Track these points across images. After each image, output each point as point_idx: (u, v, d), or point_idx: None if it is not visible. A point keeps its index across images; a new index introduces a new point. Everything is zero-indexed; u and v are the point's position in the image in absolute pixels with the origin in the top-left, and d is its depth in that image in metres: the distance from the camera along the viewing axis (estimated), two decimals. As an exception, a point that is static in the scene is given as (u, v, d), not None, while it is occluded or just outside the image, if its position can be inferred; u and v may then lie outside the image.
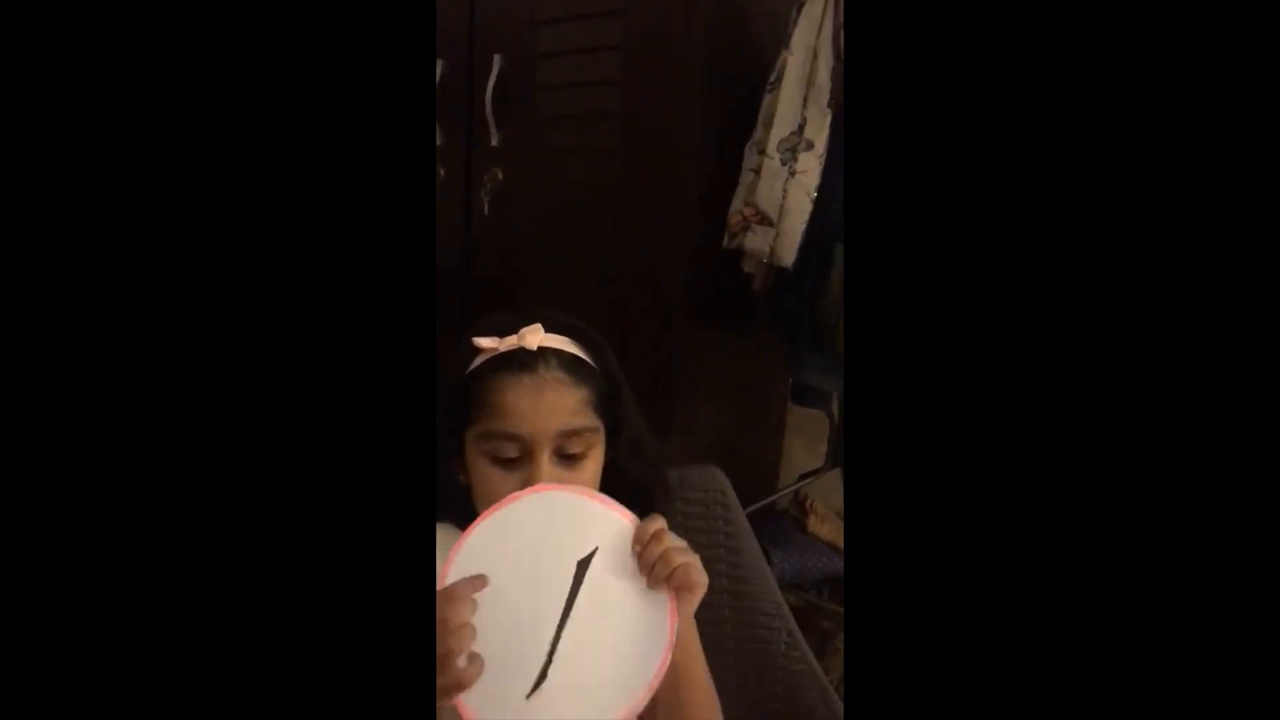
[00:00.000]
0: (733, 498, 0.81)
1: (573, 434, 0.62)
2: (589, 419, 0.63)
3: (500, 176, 1.48)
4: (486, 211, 1.50)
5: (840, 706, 0.76)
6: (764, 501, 1.46)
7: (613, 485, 0.66)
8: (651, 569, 0.57)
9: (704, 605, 0.78)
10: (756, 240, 1.22)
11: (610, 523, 0.58)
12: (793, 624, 0.78)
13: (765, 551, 1.41)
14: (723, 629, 0.79)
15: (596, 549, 0.56)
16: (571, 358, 0.64)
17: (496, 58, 1.40)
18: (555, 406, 0.61)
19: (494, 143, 1.45)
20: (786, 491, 1.52)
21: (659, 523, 0.59)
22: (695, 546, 0.78)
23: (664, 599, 0.57)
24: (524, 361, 0.62)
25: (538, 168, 1.42)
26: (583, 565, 0.55)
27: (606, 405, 0.65)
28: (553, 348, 0.63)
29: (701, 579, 0.59)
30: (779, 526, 1.49)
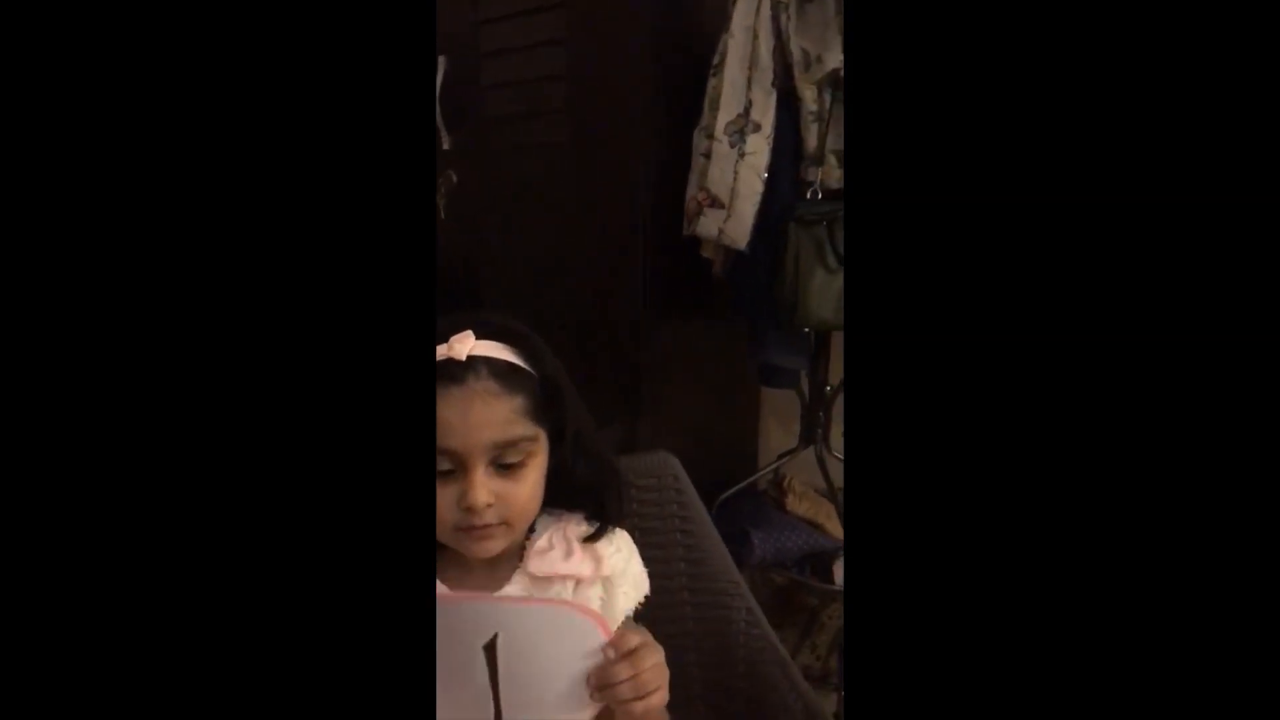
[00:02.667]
0: (686, 481, 0.81)
1: (508, 445, 0.60)
2: (525, 428, 0.61)
3: (454, 179, 1.48)
4: (443, 215, 1.50)
5: (802, 681, 0.77)
6: (743, 484, 1.47)
7: (561, 489, 0.66)
8: (615, 686, 0.56)
9: (662, 590, 0.79)
10: (708, 223, 1.22)
11: (521, 615, 0.58)
12: (752, 602, 0.79)
13: (745, 532, 1.43)
14: (682, 611, 0.80)
15: (496, 633, 0.56)
16: (504, 365, 0.62)
17: (441, 59, 1.41)
18: (486, 418, 0.59)
19: (445, 146, 1.45)
20: (765, 472, 1.53)
21: (637, 639, 0.58)
22: (650, 533, 0.80)
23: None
24: (452, 373, 0.60)
25: (491, 168, 1.43)
26: (489, 649, 0.56)
27: (545, 410, 0.63)
28: (483, 356, 0.61)
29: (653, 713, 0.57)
30: (759, 507, 1.50)
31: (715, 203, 1.21)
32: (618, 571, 0.67)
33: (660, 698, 0.58)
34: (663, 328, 1.39)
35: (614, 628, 0.63)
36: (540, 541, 0.66)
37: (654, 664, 0.58)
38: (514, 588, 0.65)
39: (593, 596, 0.66)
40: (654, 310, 1.36)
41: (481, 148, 1.43)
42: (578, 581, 0.66)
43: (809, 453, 1.43)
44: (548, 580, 0.66)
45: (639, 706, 0.57)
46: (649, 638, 0.60)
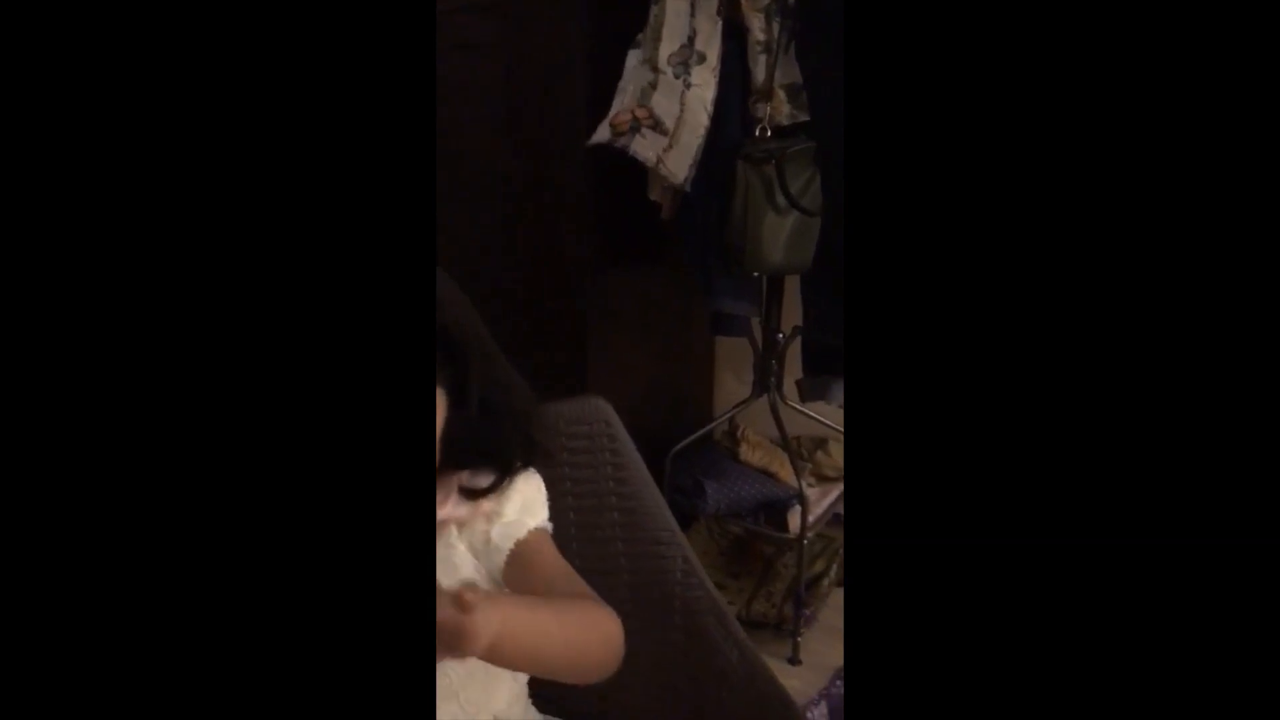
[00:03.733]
0: (619, 427, 0.77)
1: None
2: None
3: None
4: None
5: (740, 631, 0.74)
6: (696, 434, 1.44)
7: (459, 452, 0.60)
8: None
9: (595, 540, 0.76)
10: (645, 145, 1.15)
11: None
12: (688, 551, 0.76)
13: (699, 483, 1.41)
14: (616, 563, 0.76)
15: None
16: None
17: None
18: None
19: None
20: (719, 422, 1.50)
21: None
22: (581, 483, 0.76)
23: None
24: None
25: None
26: None
27: (444, 370, 0.57)
28: None
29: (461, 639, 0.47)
30: (712, 458, 1.47)
31: (658, 126, 1.14)
32: (503, 500, 0.62)
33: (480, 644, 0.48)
34: (611, 276, 1.35)
35: (503, 560, 0.60)
36: None
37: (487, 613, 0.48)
38: None
39: (476, 534, 0.62)
40: (602, 257, 1.32)
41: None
42: (461, 524, 0.62)
43: (763, 401, 1.40)
44: (439, 526, 0.62)
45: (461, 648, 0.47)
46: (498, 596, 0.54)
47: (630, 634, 0.77)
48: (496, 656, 0.51)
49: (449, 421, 0.59)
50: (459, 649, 0.48)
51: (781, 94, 1.15)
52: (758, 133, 1.16)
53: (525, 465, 0.64)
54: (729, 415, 1.46)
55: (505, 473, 0.62)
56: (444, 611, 0.46)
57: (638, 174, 1.25)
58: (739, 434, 1.48)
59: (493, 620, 0.49)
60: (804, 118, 1.15)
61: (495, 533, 0.61)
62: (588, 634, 0.59)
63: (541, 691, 0.70)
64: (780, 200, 1.15)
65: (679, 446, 1.43)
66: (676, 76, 1.14)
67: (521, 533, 0.62)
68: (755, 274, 1.24)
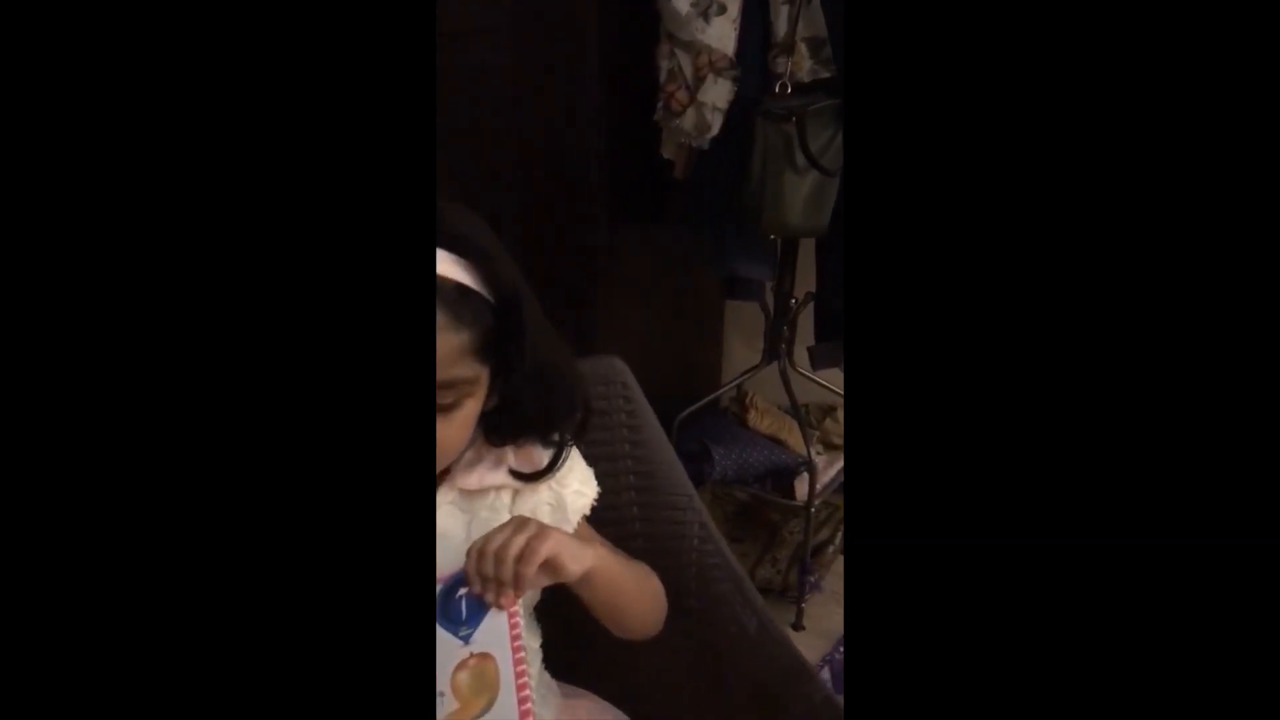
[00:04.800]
0: (635, 389, 0.75)
1: (442, 386, 0.50)
2: (467, 368, 0.51)
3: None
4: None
5: (757, 597, 0.73)
6: (704, 401, 1.42)
7: (501, 423, 0.58)
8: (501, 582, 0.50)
9: (609, 505, 0.74)
10: (714, 92, 1.09)
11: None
12: (705, 516, 0.74)
13: (706, 449, 1.39)
14: (631, 527, 0.75)
15: None
16: (454, 289, 0.50)
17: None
18: None
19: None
20: (727, 388, 1.48)
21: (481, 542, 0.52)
22: (596, 444, 0.73)
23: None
24: None
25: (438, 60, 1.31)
26: None
27: (496, 344, 0.53)
28: None
29: (558, 550, 0.52)
30: (721, 424, 1.46)
31: (722, 68, 1.09)
32: (562, 471, 0.61)
33: (528, 564, 0.50)
34: (621, 236, 1.31)
35: (570, 531, 0.60)
36: (469, 453, 0.59)
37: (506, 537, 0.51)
38: (441, 503, 0.59)
39: (539, 504, 0.60)
40: (612, 217, 1.28)
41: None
42: (515, 492, 0.60)
43: (772, 368, 1.37)
44: (480, 493, 0.60)
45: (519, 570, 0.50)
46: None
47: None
48: (587, 584, 0.56)
49: (498, 391, 0.56)
50: (562, 571, 0.53)
51: (803, 48, 1.11)
52: (778, 89, 1.12)
53: (580, 436, 0.62)
54: (738, 381, 1.44)
55: (562, 445, 0.60)
56: (523, 537, 0.50)
57: (650, 131, 1.22)
58: (747, 400, 1.47)
59: (590, 550, 0.55)
60: (827, 74, 1.11)
61: (566, 502, 0.61)
62: (652, 588, 0.65)
63: (555, 658, 0.69)
64: (799, 159, 1.11)
65: (686, 412, 1.41)
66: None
67: (587, 508, 0.62)
68: (771, 237, 1.21)
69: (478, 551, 0.51)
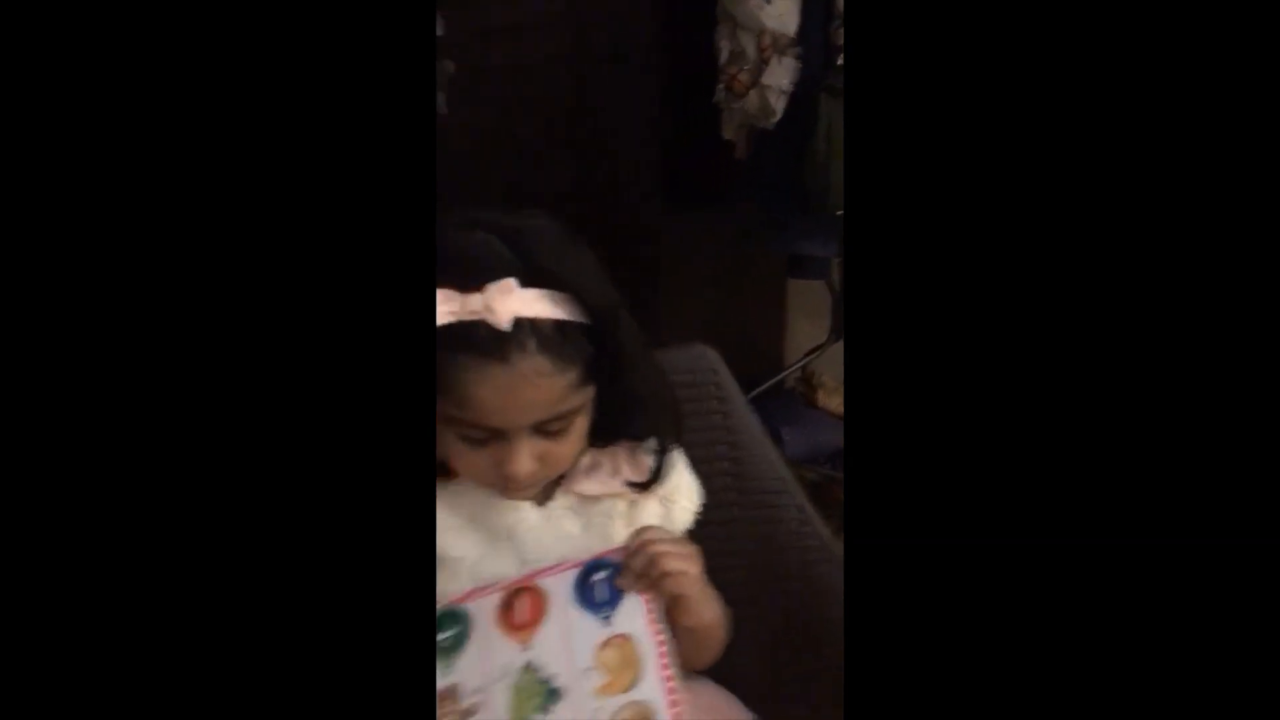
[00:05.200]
0: (726, 376, 0.75)
1: (556, 418, 0.52)
2: (576, 399, 0.52)
3: (452, 68, 1.36)
4: (444, 111, 1.40)
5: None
6: (770, 382, 1.41)
7: (600, 433, 0.58)
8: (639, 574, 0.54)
9: (705, 494, 0.74)
10: (778, 73, 1.09)
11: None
12: (802, 499, 0.74)
13: (775, 430, 1.38)
14: (729, 513, 0.74)
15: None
16: (554, 329, 0.50)
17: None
18: (534, 399, 0.50)
19: (439, 32, 1.33)
20: (793, 369, 1.47)
21: (647, 534, 0.55)
22: (689, 432, 0.73)
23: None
24: (491, 347, 0.48)
25: (490, 51, 1.31)
26: None
27: (598, 364, 0.52)
28: (529, 318, 0.49)
29: (685, 588, 0.55)
30: (788, 404, 1.45)
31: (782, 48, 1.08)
32: (672, 483, 0.61)
33: (680, 582, 0.54)
34: (681, 217, 1.31)
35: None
36: (585, 459, 0.60)
37: (673, 549, 0.55)
38: (558, 507, 0.60)
39: (649, 513, 0.61)
40: (672, 198, 1.28)
41: (478, 29, 1.31)
42: (630, 501, 0.61)
43: (838, 347, 1.36)
44: (596, 499, 0.60)
45: (666, 585, 0.54)
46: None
47: (742, 585, 0.76)
48: (690, 600, 0.56)
49: (595, 402, 0.56)
50: (685, 613, 0.56)
51: (866, 19, 1.09)
52: (840, 62, 1.10)
53: (676, 443, 0.62)
54: (805, 361, 1.43)
55: (664, 451, 0.60)
56: (655, 547, 0.54)
57: (709, 111, 1.21)
58: (815, 379, 1.45)
59: (712, 609, 0.58)
60: (891, 44, 1.09)
61: (674, 517, 0.62)
62: (723, 635, 0.63)
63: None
64: (865, 133, 1.09)
65: (752, 394, 1.40)
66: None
67: (690, 521, 0.63)
68: (837, 212, 1.19)
69: (643, 542, 0.55)
